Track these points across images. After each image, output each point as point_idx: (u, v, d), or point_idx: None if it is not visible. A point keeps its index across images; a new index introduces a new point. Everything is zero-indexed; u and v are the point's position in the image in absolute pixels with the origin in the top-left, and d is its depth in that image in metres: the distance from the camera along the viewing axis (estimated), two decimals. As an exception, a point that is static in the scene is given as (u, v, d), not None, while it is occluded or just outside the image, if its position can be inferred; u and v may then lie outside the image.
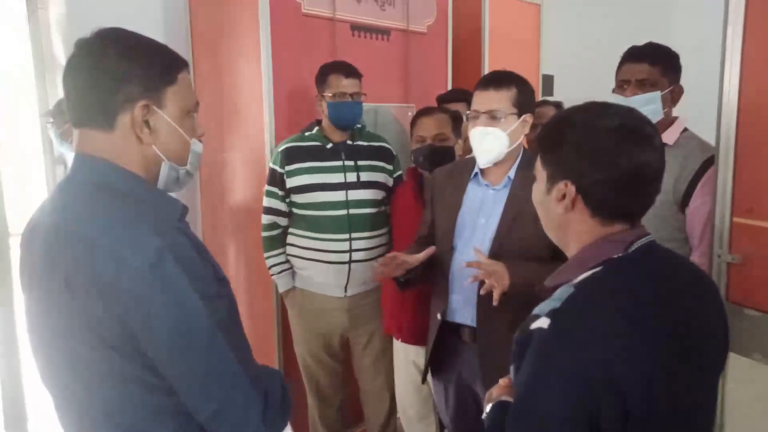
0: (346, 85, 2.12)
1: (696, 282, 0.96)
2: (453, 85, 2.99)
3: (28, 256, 0.97)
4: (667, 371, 0.84)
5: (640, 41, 1.82)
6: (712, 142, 1.55)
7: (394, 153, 2.33)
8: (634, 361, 0.81)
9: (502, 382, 1.06)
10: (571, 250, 0.98)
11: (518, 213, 1.54)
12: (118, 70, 0.93)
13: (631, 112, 0.94)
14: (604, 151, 0.90)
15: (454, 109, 2.45)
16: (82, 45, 0.94)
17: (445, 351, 1.73)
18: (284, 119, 2.34)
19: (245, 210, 2.49)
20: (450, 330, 1.70)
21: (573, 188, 0.92)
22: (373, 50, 2.63)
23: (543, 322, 0.85)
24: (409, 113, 2.80)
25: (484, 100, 1.57)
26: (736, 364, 1.43)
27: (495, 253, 1.55)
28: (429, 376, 1.96)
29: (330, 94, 2.12)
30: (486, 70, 3.16)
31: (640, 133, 0.91)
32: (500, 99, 1.55)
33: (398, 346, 2.15)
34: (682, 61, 1.79)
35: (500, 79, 1.58)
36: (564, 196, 0.93)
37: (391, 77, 2.73)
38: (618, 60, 1.84)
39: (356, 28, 2.56)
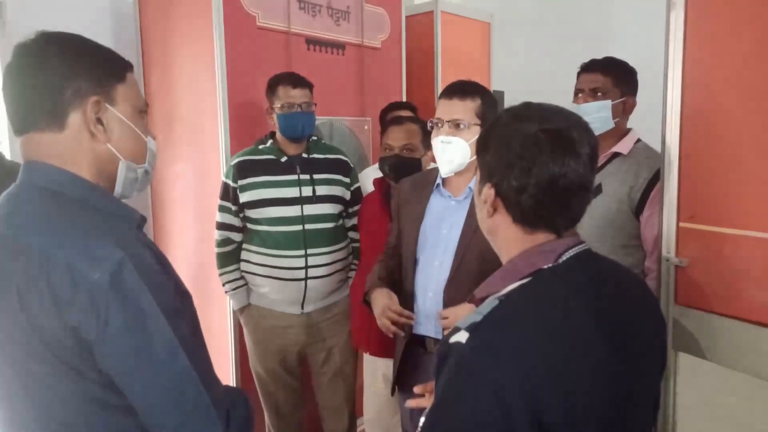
0: (295, 95, 2.08)
1: (632, 290, 0.94)
2: (407, 100, 3.03)
3: None
4: (594, 385, 0.80)
5: (585, 57, 1.91)
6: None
7: (352, 165, 2.31)
8: (553, 378, 0.77)
9: (418, 390, 1.04)
10: (503, 257, 0.95)
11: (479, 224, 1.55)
12: (63, 68, 0.89)
13: (562, 116, 0.89)
14: (518, 157, 0.86)
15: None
16: (21, 49, 0.91)
17: (411, 363, 1.71)
18: (239, 132, 2.30)
19: (199, 224, 2.44)
20: (416, 342, 1.68)
21: (492, 192, 0.90)
22: (328, 64, 2.64)
23: (461, 336, 0.80)
24: (366, 127, 2.82)
25: (448, 109, 1.57)
26: (685, 364, 1.49)
27: (457, 265, 1.55)
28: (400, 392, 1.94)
29: (279, 106, 2.08)
30: (439, 85, 3.23)
31: (560, 141, 0.85)
32: (464, 109, 1.55)
33: (367, 359, 2.12)
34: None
35: (465, 90, 1.58)
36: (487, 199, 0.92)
37: (347, 91, 2.75)
38: (566, 74, 1.92)
39: (311, 41, 2.57)
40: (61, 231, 0.85)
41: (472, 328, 0.81)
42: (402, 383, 1.76)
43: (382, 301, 1.61)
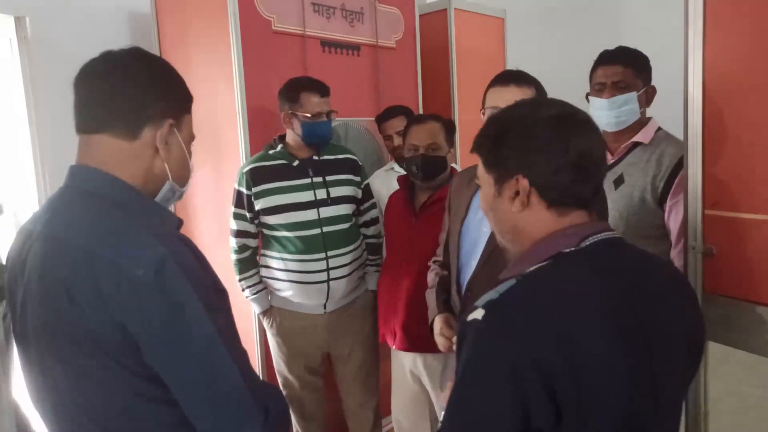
0: (322, 104, 2.11)
1: (662, 276, 0.93)
2: (423, 98, 3.04)
3: (20, 268, 0.95)
4: (607, 367, 0.79)
5: (601, 48, 1.89)
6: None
7: (360, 163, 2.32)
8: (565, 355, 0.78)
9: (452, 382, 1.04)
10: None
11: None
12: (153, 88, 0.98)
13: (562, 103, 0.95)
14: (550, 139, 0.89)
15: (394, 124, 2.50)
16: (114, 57, 0.97)
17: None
18: (257, 136, 2.32)
19: (219, 229, 2.46)
20: None
21: (526, 182, 0.90)
22: (343, 65, 2.65)
23: (478, 314, 0.82)
24: (383, 126, 2.82)
25: (506, 95, 1.51)
26: (715, 352, 1.47)
27: (483, 261, 1.52)
28: (430, 388, 1.94)
29: (308, 114, 2.09)
30: (454, 83, 3.22)
31: (578, 120, 0.91)
32: (522, 96, 1.50)
33: (394, 354, 2.12)
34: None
35: (520, 77, 1.55)
36: (517, 193, 0.91)
37: (363, 91, 2.76)
38: (581, 67, 1.90)
39: (326, 44, 2.58)
40: (105, 230, 0.90)
41: (488, 306, 0.83)
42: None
43: (438, 325, 1.64)
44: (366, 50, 2.75)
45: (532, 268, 0.88)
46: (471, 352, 0.82)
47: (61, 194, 0.97)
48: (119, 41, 2.72)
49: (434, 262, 1.82)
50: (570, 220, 0.91)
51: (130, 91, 0.96)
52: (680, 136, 1.56)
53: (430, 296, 1.76)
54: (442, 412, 0.99)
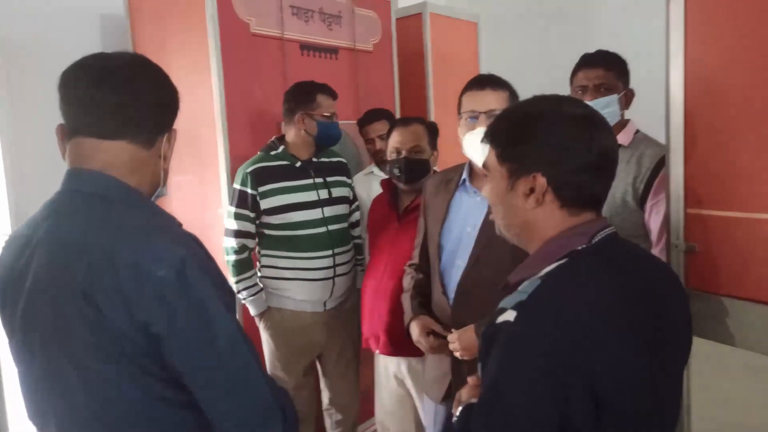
0: (334, 106, 2.21)
1: (659, 271, 0.96)
2: (400, 101, 3.06)
3: (19, 275, 0.91)
4: (639, 363, 0.82)
5: (572, 52, 1.93)
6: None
7: (348, 166, 2.40)
8: (604, 354, 0.79)
9: (470, 381, 1.03)
10: (534, 247, 0.95)
11: None
12: (168, 98, 1.01)
13: (582, 101, 0.97)
14: (577, 138, 0.89)
15: (376, 127, 2.53)
16: (128, 62, 0.97)
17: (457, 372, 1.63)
18: (238, 139, 2.31)
19: (201, 232, 2.42)
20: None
21: (543, 180, 0.89)
22: (322, 68, 2.65)
23: (509, 315, 0.82)
24: (362, 129, 2.82)
25: (482, 99, 1.52)
26: (698, 346, 1.51)
27: (471, 263, 1.54)
28: (414, 392, 1.94)
29: (327, 114, 2.18)
30: (430, 86, 3.25)
31: (600, 119, 0.92)
32: (498, 99, 1.52)
33: (377, 358, 2.12)
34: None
35: (495, 81, 1.55)
36: (532, 190, 0.90)
37: (341, 94, 2.73)
38: (553, 70, 1.93)
39: (305, 47, 2.57)
40: (122, 231, 0.88)
41: (519, 307, 0.82)
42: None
43: (415, 331, 1.65)
44: (344, 53, 2.75)
45: (550, 267, 0.88)
46: (506, 354, 0.82)
47: (62, 198, 0.94)
48: (91, 45, 2.68)
49: (410, 266, 1.83)
50: (580, 219, 0.92)
51: (153, 100, 0.97)
52: (660, 138, 1.61)
53: (405, 300, 1.77)
54: (440, 414, 1.00)
